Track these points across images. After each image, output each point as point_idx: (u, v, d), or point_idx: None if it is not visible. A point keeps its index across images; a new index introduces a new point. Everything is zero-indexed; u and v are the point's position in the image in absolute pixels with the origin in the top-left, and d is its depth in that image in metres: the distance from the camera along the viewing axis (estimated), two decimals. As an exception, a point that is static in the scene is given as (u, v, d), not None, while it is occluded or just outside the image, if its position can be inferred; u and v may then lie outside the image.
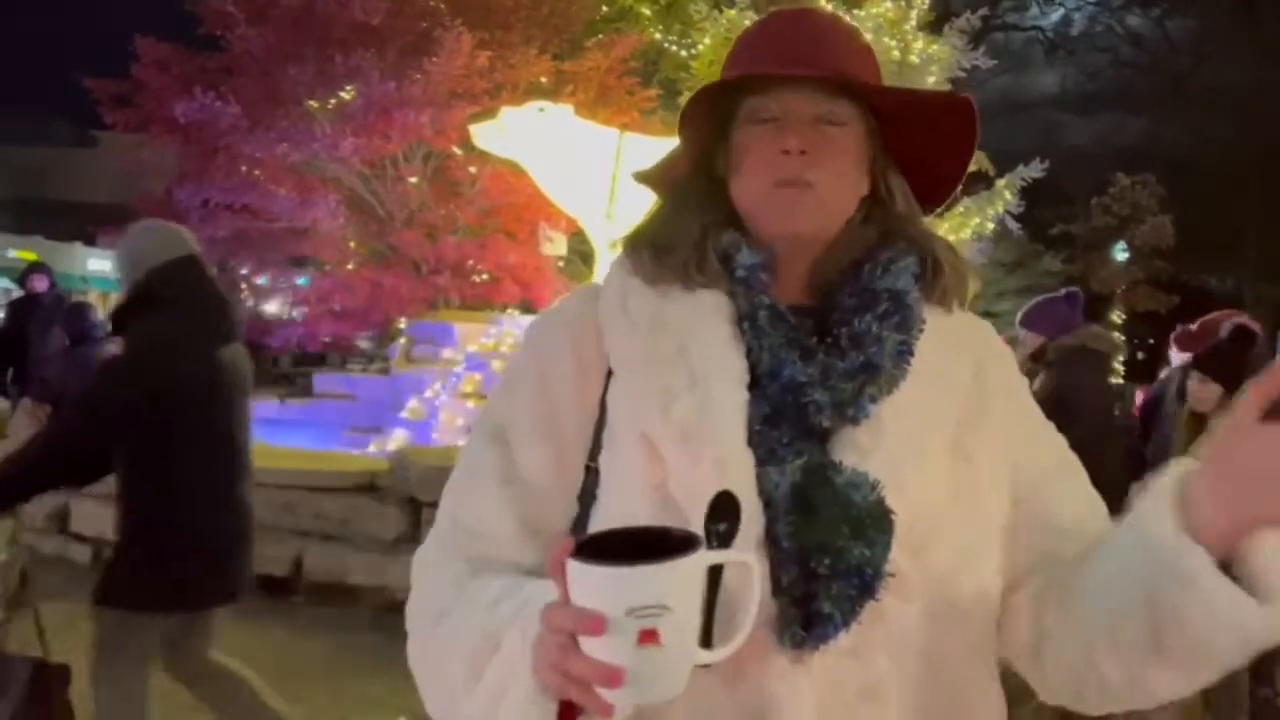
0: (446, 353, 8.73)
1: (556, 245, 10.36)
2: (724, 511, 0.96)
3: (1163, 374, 5.97)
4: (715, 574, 0.91)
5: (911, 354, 1.10)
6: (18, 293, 10.31)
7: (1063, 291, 5.20)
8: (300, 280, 13.07)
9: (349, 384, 10.00)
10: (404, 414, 8.10)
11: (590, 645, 0.87)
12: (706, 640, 0.91)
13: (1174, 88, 26.81)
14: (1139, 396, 7.37)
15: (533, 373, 1.19)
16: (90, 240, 25.11)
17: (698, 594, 0.88)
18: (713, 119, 1.18)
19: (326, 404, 9.70)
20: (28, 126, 30.28)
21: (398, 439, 7.65)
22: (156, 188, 12.69)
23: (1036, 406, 1.25)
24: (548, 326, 1.23)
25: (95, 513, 6.66)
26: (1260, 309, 22.72)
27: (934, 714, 1.07)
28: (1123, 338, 26.01)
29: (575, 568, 0.86)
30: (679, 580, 0.86)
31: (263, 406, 10.20)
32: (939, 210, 1.29)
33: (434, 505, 1.23)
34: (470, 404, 8.05)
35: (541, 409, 1.16)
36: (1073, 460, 1.22)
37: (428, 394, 8.22)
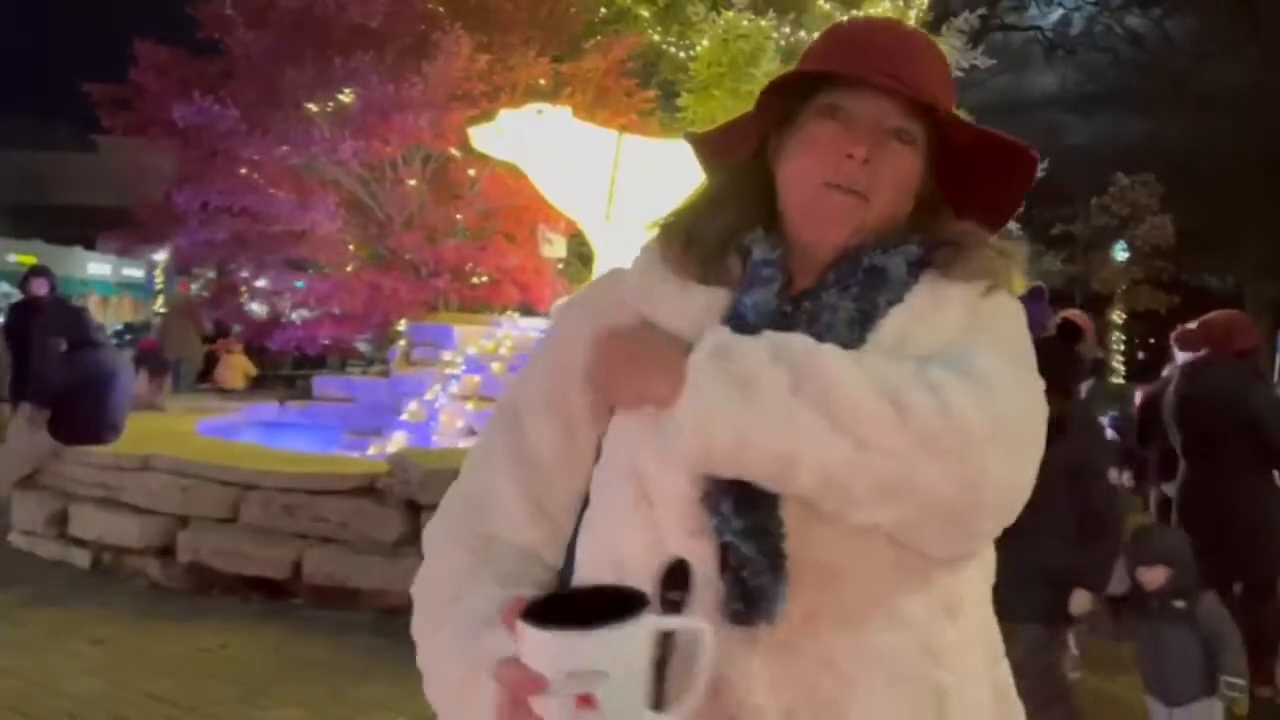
0: (446, 355, 8.71)
1: (556, 247, 10.35)
2: (678, 579, 0.98)
3: (1165, 372, 5.96)
4: (668, 639, 0.92)
5: (870, 320, 1.10)
6: (18, 297, 10.31)
7: (1027, 288, 5.19)
8: (297, 284, 13.07)
9: (348, 386, 9.99)
10: (403, 416, 8.09)
11: (536, 704, 0.89)
12: (658, 702, 0.91)
13: (1174, 88, 26.76)
14: (1139, 396, 7.37)
15: (549, 353, 1.24)
16: (90, 244, 25.13)
17: (642, 658, 0.89)
18: (779, 104, 1.18)
19: (326, 407, 9.69)
20: (27, 130, 30.25)
21: (397, 441, 7.64)
22: (156, 191, 12.69)
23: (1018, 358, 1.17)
24: (569, 308, 1.28)
25: (95, 517, 6.66)
26: (1260, 309, 22.72)
27: (902, 678, 1.07)
28: (1124, 337, 26.05)
29: (520, 628, 0.88)
30: (617, 647, 0.86)
31: (262, 409, 10.24)
32: None
33: (434, 508, 1.24)
34: (470, 406, 8.03)
35: (555, 386, 1.20)
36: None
37: (427, 396, 8.21)
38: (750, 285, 1.14)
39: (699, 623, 0.94)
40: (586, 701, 0.86)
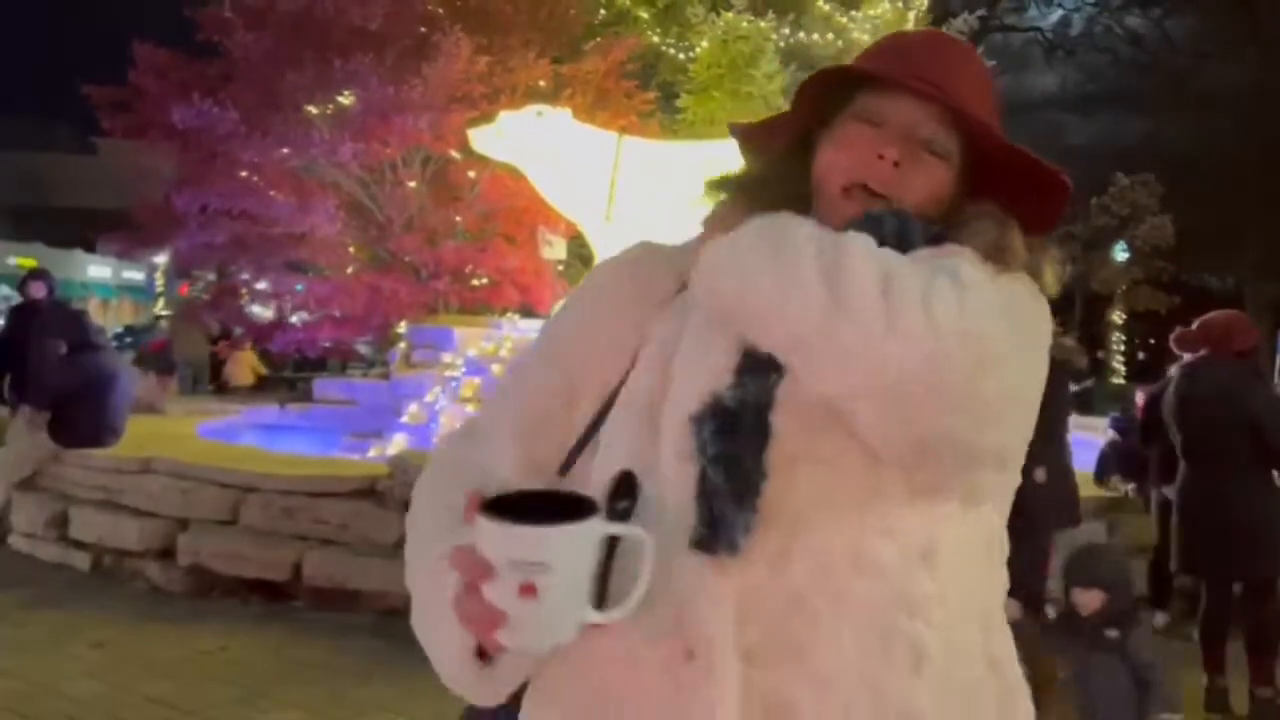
0: (446, 357, 8.71)
1: (556, 249, 10.34)
2: (625, 490, 1.08)
3: (1170, 372, 5.95)
4: (613, 544, 1.02)
5: None
6: (17, 300, 10.29)
7: None
8: (297, 287, 13.07)
9: (349, 389, 10.01)
10: (404, 419, 8.10)
11: (486, 589, 0.96)
12: (601, 603, 1.00)
13: (1174, 88, 26.74)
14: (1140, 397, 7.37)
15: (567, 305, 1.29)
16: (90, 247, 25.01)
17: (586, 559, 0.96)
18: (822, 105, 1.21)
19: (326, 409, 9.71)
20: (27, 133, 30.27)
21: (398, 444, 7.65)
22: (155, 193, 12.68)
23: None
24: (599, 267, 1.32)
25: (95, 519, 6.66)
26: (1260, 309, 22.72)
27: (874, 629, 1.05)
28: (1124, 337, 26.05)
29: (477, 519, 0.95)
30: (559, 543, 0.94)
31: (263, 412, 10.25)
32: None
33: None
34: (470, 408, 8.03)
35: (561, 337, 1.26)
36: None
37: (428, 398, 8.21)
38: None
39: (640, 532, 1.00)
40: (529, 590, 0.93)
